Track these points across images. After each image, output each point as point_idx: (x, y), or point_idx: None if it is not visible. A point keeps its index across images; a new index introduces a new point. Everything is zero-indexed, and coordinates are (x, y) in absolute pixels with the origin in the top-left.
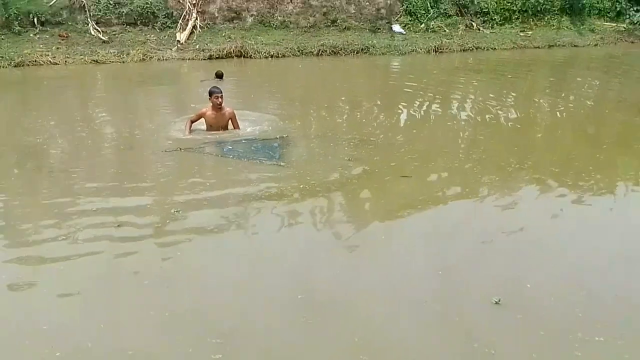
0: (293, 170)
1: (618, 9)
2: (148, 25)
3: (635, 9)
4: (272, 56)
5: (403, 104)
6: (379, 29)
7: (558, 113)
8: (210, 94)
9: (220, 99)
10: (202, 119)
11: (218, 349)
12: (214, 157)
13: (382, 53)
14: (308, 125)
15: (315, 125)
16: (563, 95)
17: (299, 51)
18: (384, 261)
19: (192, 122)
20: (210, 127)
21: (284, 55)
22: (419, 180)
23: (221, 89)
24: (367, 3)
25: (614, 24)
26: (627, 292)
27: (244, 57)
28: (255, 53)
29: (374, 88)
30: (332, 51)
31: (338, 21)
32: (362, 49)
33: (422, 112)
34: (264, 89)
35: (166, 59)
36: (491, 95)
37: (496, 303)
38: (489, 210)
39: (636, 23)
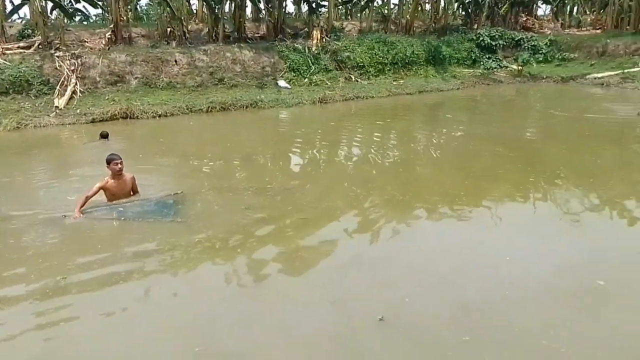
0: (190, 224)
1: (473, 57)
2: (22, 94)
3: (487, 57)
4: (159, 115)
5: (295, 151)
6: (265, 84)
7: (433, 149)
8: (109, 161)
9: (120, 165)
10: (102, 192)
11: None
12: (105, 221)
13: (271, 106)
14: (203, 179)
15: (211, 178)
16: (435, 133)
17: (187, 109)
18: (282, 302)
19: (88, 197)
20: (112, 197)
21: (172, 114)
22: (315, 220)
23: (119, 155)
24: (252, 62)
25: (471, 70)
26: (492, 299)
27: (130, 118)
28: (141, 113)
29: (267, 138)
30: (222, 107)
31: (225, 79)
32: (250, 104)
33: (314, 157)
34: (154, 147)
35: (44, 125)
36: (375, 138)
37: (380, 320)
38: (383, 239)
39: (488, 68)
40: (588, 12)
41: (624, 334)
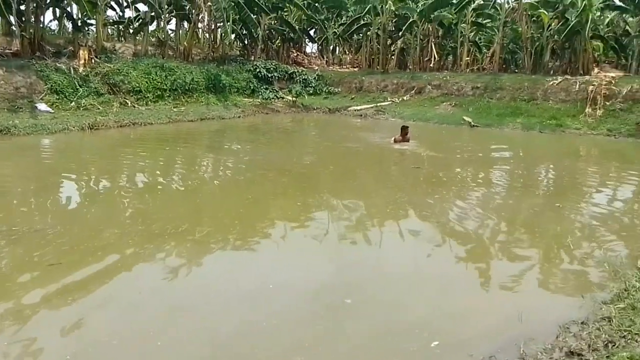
0: None
1: (252, 87)
2: None
3: (264, 87)
4: None
5: (61, 184)
6: (20, 108)
7: (214, 176)
8: None
9: None
10: None
11: None
12: None
13: (28, 133)
14: None
15: None
16: (217, 161)
17: None
18: None
19: None
20: None
21: None
22: (71, 265)
23: None
24: (2, 82)
25: (251, 99)
26: (246, 330)
27: None
28: None
29: (23, 170)
30: None
31: None
32: (1, 130)
33: (85, 190)
34: None
35: None
36: (159, 165)
37: None
38: (141, 273)
39: (267, 98)
40: (347, 52)
41: (364, 348)
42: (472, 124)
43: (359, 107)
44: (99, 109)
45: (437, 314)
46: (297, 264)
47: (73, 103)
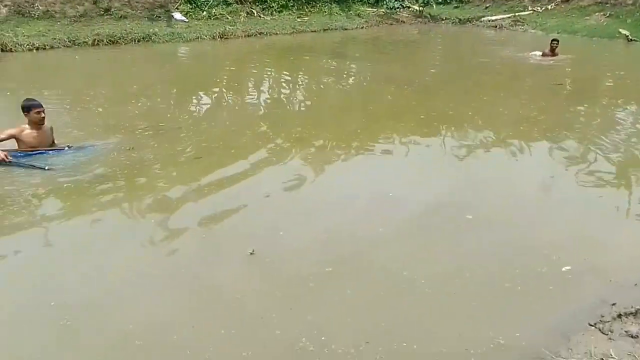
0: (60, 171)
1: None
2: None
3: None
4: (37, 48)
5: (197, 89)
6: (158, 17)
7: (339, 88)
8: (28, 108)
9: (43, 114)
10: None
11: None
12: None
13: (166, 41)
14: (94, 117)
15: (101, 117)
16: (342, 72)
17: (70, 42)
18: (153, 239)
19: None
20: (30, 148)
21: (52, 47)
22: (213, 160)
23: (38, 101)
24: None
25: (375, 9)
26: (361, 234)
27: (3, 50)
28: (15, 46)
29: (164, 75)
30: (110, 41)
31: (112, 10)
32: (143, 37)
33: (218, 95)
34: (36, 83)
35: None
36: (284, 76)
37: (251, 254)
38: (270, 175)
39: (391, 8)
40: None
41: (480, 266)
42: (630, 38)
43: (493, 18)
44: (227, 18)
45: (568, 238)
46: (418, 178)
47: (205, 12)
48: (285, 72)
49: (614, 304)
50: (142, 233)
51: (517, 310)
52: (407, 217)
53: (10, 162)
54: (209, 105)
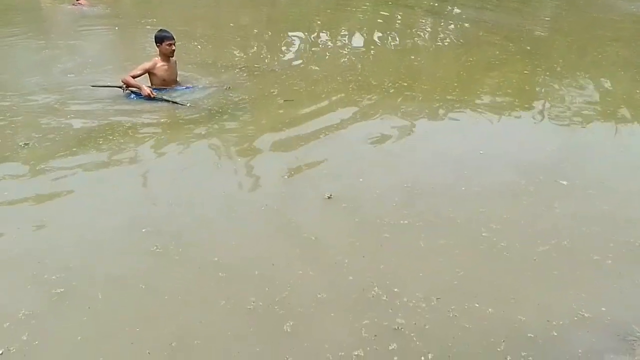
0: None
1: None
2: None
3: None
4: None
5: (292, 32)
6: None
7: (439, 35)
8: (160, 39)
9: (174, 46)
10: (147, 75)
11: None
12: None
13: None
14: (190, 53)
15: (200, 54)
16: (441, 19)
17: None
18: (237, 176)
19: (135, 77)
20: (162, 83)
21: None
22: (303, 103)
23: (170, 32)
24: None
25: None
26: (447, 191)
27: None
28: None
29: (260, 16)
30: None
31: None
32: None
33: (310, 41)
34: (140, 18)
35: None
36: (379, 22)
37: (328, 198)
38: (357, 124)
39: None
40: None
41: (569, 234)
42: None
43: None
44: None
45: None
46: (511, 137)
47: None
48: (380, 19)
49: None
50: (230, 171)
51: (604, 284)
52: (494, 177)
53: (154, 97)
54: (302, 49)
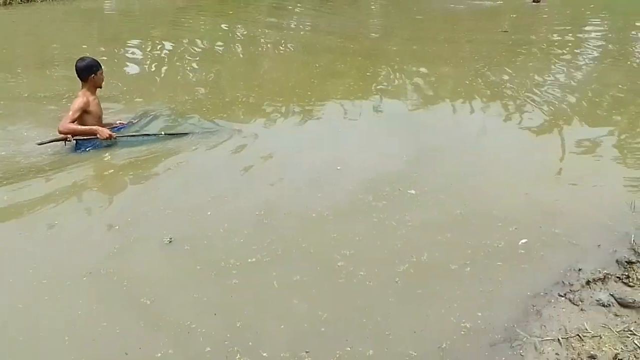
0: None
1: None
2: None
3: None
4: None
5: (132, 46)
6: None
7: (280, 45)
8: (97, 67)
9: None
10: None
11: None
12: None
13: None
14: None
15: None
16: (282, 27)
17: None
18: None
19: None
20: (98, 122)
21: None
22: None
23: None
24: None
25: None
26: (297, 214)
27: None
28: None
29: (89, 33)
30: None
31: None
32: None
33: (151, 54)
34: None
35: None
36: (221, 31)
37: (169, 242)
38: (199, 142)
39: None
40: None
41: (426, 247)
42: None
43: None
44: None
45: (525, 205)
46: (367, 146)
47: None
48: (221, 28)
49: (580, 270)
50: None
51: (471, 292)
52: (345, 197)
53: (115, 139)
54: (146, 65)
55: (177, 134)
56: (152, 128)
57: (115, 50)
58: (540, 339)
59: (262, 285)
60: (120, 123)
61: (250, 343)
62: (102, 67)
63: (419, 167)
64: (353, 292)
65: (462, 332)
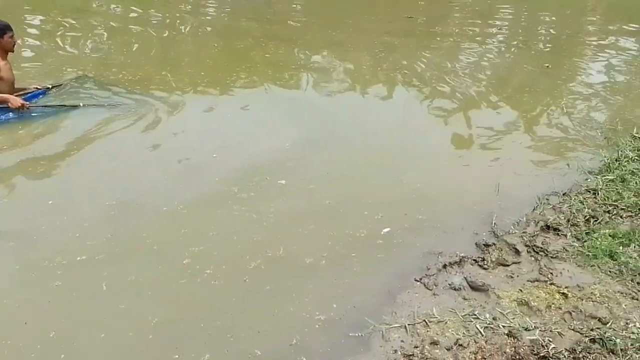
0: None
1: None
2: None
3: None
4: None
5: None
6: None
7: (190, 22)
8: (2, 31)
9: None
10: None
11: None
12: None
13: None
14: None
15: None
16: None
17: None
18: None
19: None
20: (11, 88)
21: None
22: None
23: None
24: None
25: None
26: (146, 205)
27: None
28: None
29: None
30: None
31: None
32: None
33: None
34: None
35: None
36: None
37: None
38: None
39: None
40: None
41: (282, 239)
42: None
43: None
44: None
45: (397, 192)
46: (254, 132)
47: None
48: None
49: (440, 254)
50: None
51: (321, 285)
52: (210, 187)
53: (29, 108)
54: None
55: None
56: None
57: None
58: (388, 326)
59: (88, 287)
60: (35, 88)
61: (63, 356)
62: (12, 29)
63: (298, 156)
64: (194, 293)
65: (317, 326)
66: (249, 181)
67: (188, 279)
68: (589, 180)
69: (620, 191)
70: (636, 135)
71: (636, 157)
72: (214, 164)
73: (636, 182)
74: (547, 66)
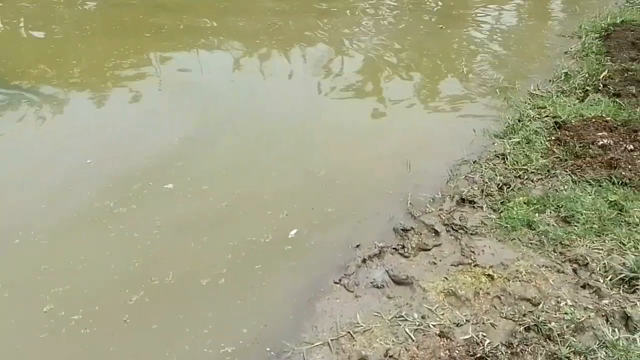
0: None
1: None
2: None
3: None
4: None
5: None
6: None
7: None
8: None
9: None
10: None
11: None
12: None
13: None
14: None
15: None
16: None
17: None
18: None
19: None
20: None
21: None
22: None
23: None
24: None
25: None
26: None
27: None
28: None
29: None
30: None
31: None
32: None
33: None
34: None
35: None
36: None
37: None
38: None
39: None
40: None
41: (175, 261)
42: None
43: None
44: None
45: (302, 183)
46: (132, 128)
47: None
48: None
49: (357, 247)
50: None
51: (232, 306)
52: (79, 204)
53: None
54: None
55: None
56: None
57: None
58: (309, 345)
59: None
60: None
61: None
62: None
63: (188, 153)
64: (58, 351)
65: (227, 359)
66: (129, 190)
67: (50, 332)
68: (495, 144)
69: (528, 153)
70: (534, 92)
71: (537, 116)
72: (85, 173)
73: (541, 142)
74: (441, 27)
